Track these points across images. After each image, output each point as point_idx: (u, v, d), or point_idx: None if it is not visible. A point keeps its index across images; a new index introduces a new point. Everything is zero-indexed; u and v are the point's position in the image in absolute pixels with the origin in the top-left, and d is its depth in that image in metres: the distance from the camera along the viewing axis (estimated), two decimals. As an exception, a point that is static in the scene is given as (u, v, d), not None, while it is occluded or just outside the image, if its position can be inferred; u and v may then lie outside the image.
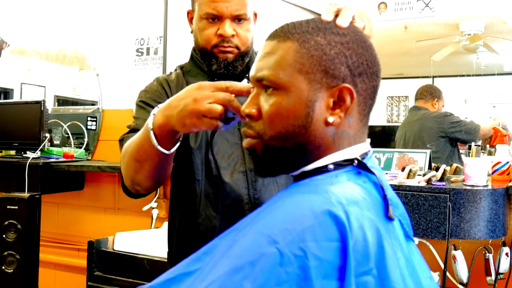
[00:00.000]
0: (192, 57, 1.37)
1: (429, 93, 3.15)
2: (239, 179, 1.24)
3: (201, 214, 1.25)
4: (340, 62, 0.77)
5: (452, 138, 2.94)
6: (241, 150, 1.25)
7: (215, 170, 1.23)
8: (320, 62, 0.77)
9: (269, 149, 0.80)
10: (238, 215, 1.17)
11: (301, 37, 0.78)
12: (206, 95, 0.91)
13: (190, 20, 1.34)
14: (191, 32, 1.34)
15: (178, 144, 1.02)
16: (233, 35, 1.25)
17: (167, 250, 1.38)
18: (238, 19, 1.25)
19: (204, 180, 1.25)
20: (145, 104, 1.28)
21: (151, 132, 0.98)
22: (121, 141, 1.21)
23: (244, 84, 0.92)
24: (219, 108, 0.90)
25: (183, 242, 1.30)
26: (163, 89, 1.31)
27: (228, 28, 1.23)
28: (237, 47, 1.26)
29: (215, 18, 1.24)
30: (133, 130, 1.19)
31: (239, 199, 1.23)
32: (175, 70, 1.39)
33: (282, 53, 0.79)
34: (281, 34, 0.81)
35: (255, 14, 1.31)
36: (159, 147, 0.98)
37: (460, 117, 3.17)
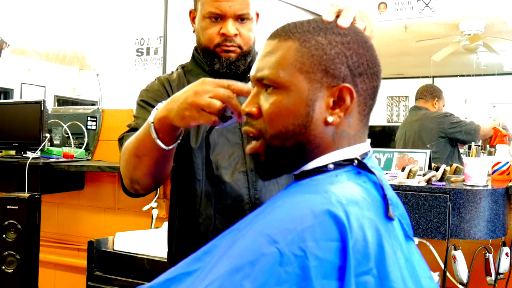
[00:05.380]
0: (193, 56, 1.37)
1: (429, 93, 3.15)
2: (240, 179, 1.24)
3: (202, 214, 1.25)
4: (340, 62, 0.77)
5: (452, 139, 2.94)
6: (242, 150, 1.25)
7: (215, 169, 1.24)
8: (320, 61, 0.77)
9: (271, 149, 0.80)
10: (238, 215, 1.16)
11: (302, 37, 0.79)
12: (207, 89, 0.92)
13: (192, 19, 1.34)
14: (193, 31, 1.34)
15: (178, 142, 1.02)
16: (236, 35, 1.25)
17: (167, 250, 1.38)
18: (241, 18, 1.25)
19: (205, 180, 1.25)
20: (145, 104, 1.28)
21: (152, 126, 0.99)
22: (121, 139, 1.21)
23: (245, 84, 0.93)
24: (218, 103, 0.91)
25: (183, 242, 1.30)
26: (164, 88, 1.31)
27: (231, 27, 1.24)
28: (239, 47, 1.26)
29: (218, 18, 1.24)
30: (133, 129, 1.20)
31: (239, 199, 1.23)
32: (177, 69, 1.39)
33: (283, 52, 0.79)
34: (282, 33, 0.81)
35: (257, 14, 1.32)
36: (158, 141, 0.99)
37: (460, 117, 3.17)
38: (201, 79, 0.95)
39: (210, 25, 1.25)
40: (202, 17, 1.27)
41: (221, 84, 0.93)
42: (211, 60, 1.28)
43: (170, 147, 1.01)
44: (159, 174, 1.10)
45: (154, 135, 0.99)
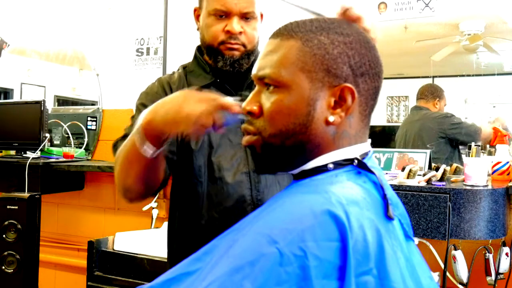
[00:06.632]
0: (195, 56, 1.36)
1: (430, 93, 3.14)
2: (242, 180, 1.23)
3: (204, 216, 1.24)
4: (342, 61, 0.77)
5: (452, 139, 2.94)
6: (244, 151, 1.24)
7: (217, 171, 1.23)
8: (322, 61, 0.77)
9: (268, 146, 0.80)
10: (240, 216, 1.16)
11: (304, 36, 0.79)
12: (191, 107, 0.94)
13: (197, 17, 1.34)
14: (197, 29, 1.34)
15: (161, 149, 1.03)
16: (240, 32, 1.24)
17: (167, 250, 1.37)
18: (246, 17, 1.25)
19: (207, 181, 1.24)
20: (144, 107, 1.28)
21: (138, 135, 1.00)
22: (115, 146, 1.22)
23: (230, 99, 0.94)
24: (203, 119, 0.93)
25: (184, 244, 1.29)
26: (163, 91, 1.31)
27: (236, 25, 1.23)
28: (243, 45, 1.26)
29: (223, 15, 1.24)
30: (126, 136, 1.20)
31: (241, 200, 1.22)
32: (178, 70, 1.39)
33: (285, 51, 0.79)
34: (284, 32, 0.81)
35: (262, 15, 1.31)
36: (142, 150, 1.00)
37: (462, 119, 3.17)
38: (186, 92, 0.97)
39: (215, 22, 1.25)
40: (207, 14, 1.26)
41: (207, 98, 0.94)
42: (215, 57, 1.27)
43: (155, 155, 1.02)
44: (149, 181, 1.11)
45: (138, 144, 1.00)
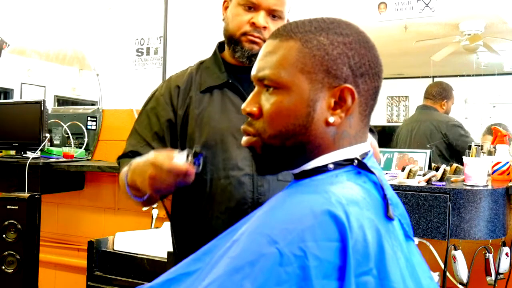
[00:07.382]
0: (214, 53, 1.37)
1: (438, 94, 3.12)
2: (245, 182, 1.23)
3: (206, 215, 1.24)
4: (342, 62, 0.77)
5: (451, 144, 2.94)
6: (249, 152, 1.23)
7: (222, 171, 1.23)
8: (322, 62, 0.77)
9: (268, 147, 0.80)
10: (241, 217, 1.16)
11: (303, 37, 0.78)
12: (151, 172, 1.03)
13: (225, 8, 1.35)
14: (223, 19, 1.35)
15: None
16: (264, 28, 1.25)
17: (167, 250, 1.38)
18: (273, 15, 1.26)
19: (210, 181, 1.24)
20: (153, 114, 1.31)
21: (127, 189, 1.15)
22: (119, 163, 1.32)
23: (183, 164, 1.01)
24: (164, 180, 1.03)
25: (187, 243, 1.29)
26: (169, 96, 1.32)
27: (262, 18, 1.24)
28: (264, 41, 1.26)
29: (252, 7, 1.25)
30: (127, 154, 1.30)
31: (243, 201, 1.22)
32: (193, 66, 1.39)
33: (284, 52, 0.79)
34: (284, 33, 0.81)
35: (288, 21, 1.31)
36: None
37: (463, 124, 3.16)
38: (150, 172, 1.03)
39: (242, 13, 1.26)
40: (236, 4, 1.28)
41: (165, 169, 1.01)
42: (234, 48, 1.28)
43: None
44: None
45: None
